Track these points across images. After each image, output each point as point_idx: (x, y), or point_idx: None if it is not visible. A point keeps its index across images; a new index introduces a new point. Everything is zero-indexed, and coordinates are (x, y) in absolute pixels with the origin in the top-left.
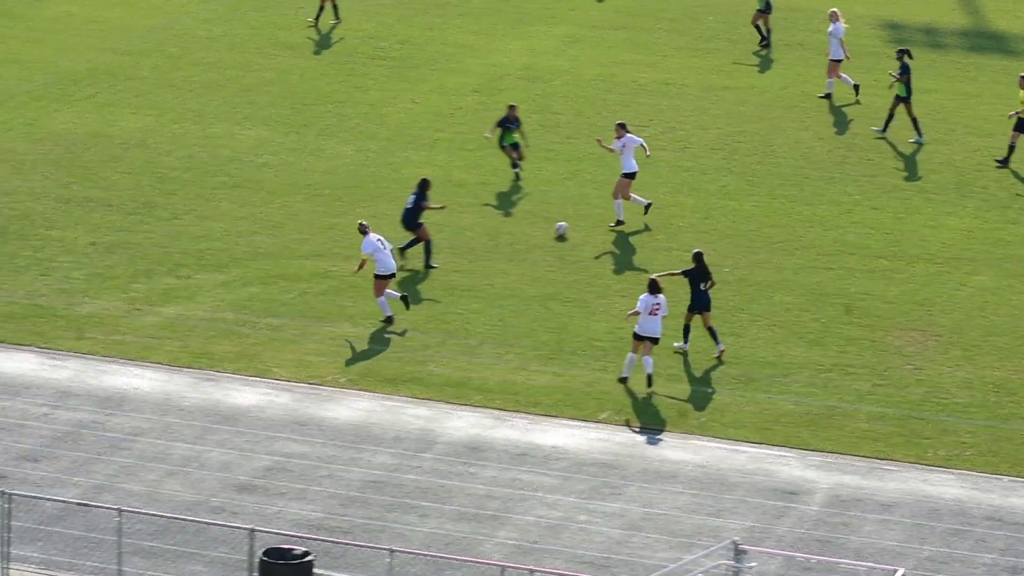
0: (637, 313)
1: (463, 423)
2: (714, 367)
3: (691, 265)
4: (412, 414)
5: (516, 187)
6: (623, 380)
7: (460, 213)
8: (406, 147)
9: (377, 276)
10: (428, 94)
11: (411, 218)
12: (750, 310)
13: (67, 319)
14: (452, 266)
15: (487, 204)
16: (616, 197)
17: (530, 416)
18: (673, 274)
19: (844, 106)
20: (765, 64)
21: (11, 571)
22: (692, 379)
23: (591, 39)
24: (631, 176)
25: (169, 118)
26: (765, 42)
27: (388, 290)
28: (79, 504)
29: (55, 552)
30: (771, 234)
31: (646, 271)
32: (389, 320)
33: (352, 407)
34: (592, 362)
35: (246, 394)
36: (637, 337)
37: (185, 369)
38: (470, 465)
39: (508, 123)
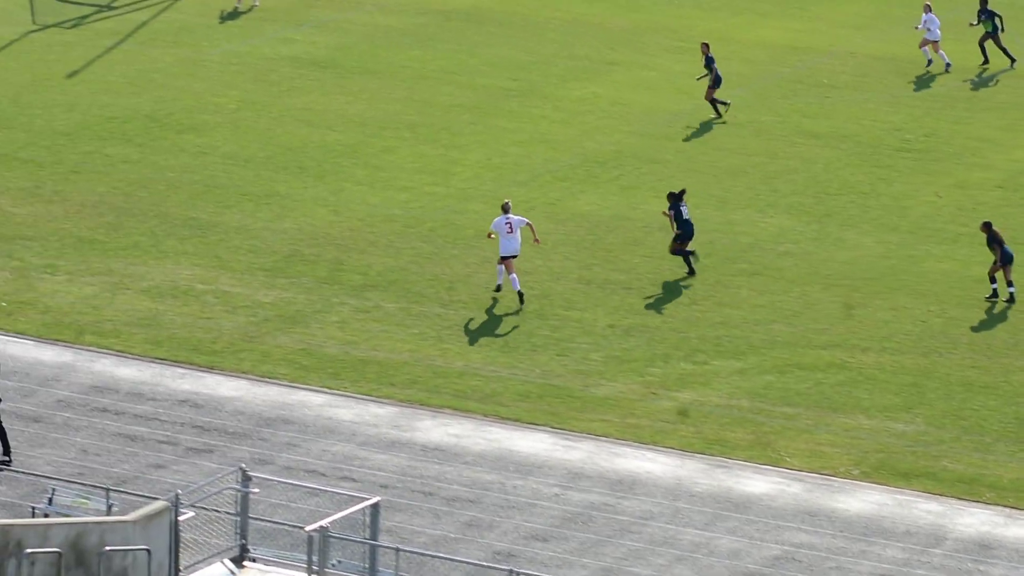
0: None
1: (974, 520)
2: None
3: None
4: (923, 508)
5: None
6: None
7: (979, 309)
8: (927, 240)
9: (502, 256)
10: (951, 188)
11: (693, 228)
12: None
13: (582, 400)
14: (969, 362)
15: (1007, 300)
16: None
17: None
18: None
19: None
20: None
21: None
22: None
23: None
24: None
25: (691, 203)
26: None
27: (513, 275)
28: None
29: None
30: None
31: None
32: (498, 288)
33: (864, 499)
34: None
35: (758, 482)
36: None
37: (698, 455)
38: (980, 563)
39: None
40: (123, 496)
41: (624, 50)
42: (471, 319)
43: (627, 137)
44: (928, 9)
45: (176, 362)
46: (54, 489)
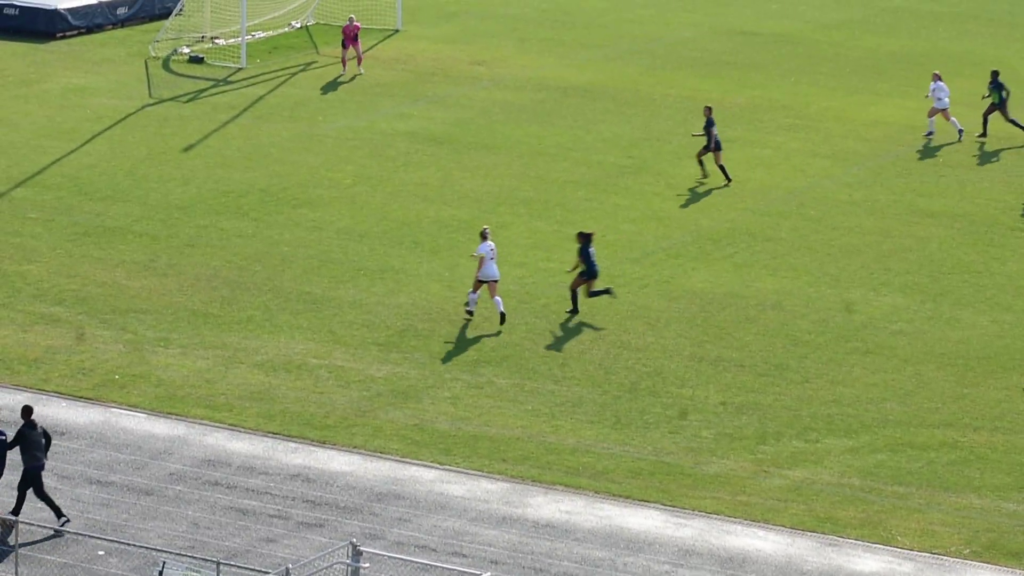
0: None
1: None
2: None
3: None
4: None
5: None
6: None
7: None
8: None
9: (478, 279)
10: None
11: (597, 269)
12: None
13: (693, 477)
14: None
15: None
16: None
17: None
18: None
19: None
20: None
21: None
22: None
23: None
24: None
25: (805, 281)
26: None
27: (497, 297)
28: None
29: None
30: None
31: None
32: (470, 314)
33: None
34: None
35: (868, 561)
36: None
37: (808, 533)
38: None
39: None
40: (234, 570)
41: (739, 127)
42: (584, 396)
43: (741, 215)
44: (937, 78)
45: (288, 436)
46: (164, 562)
